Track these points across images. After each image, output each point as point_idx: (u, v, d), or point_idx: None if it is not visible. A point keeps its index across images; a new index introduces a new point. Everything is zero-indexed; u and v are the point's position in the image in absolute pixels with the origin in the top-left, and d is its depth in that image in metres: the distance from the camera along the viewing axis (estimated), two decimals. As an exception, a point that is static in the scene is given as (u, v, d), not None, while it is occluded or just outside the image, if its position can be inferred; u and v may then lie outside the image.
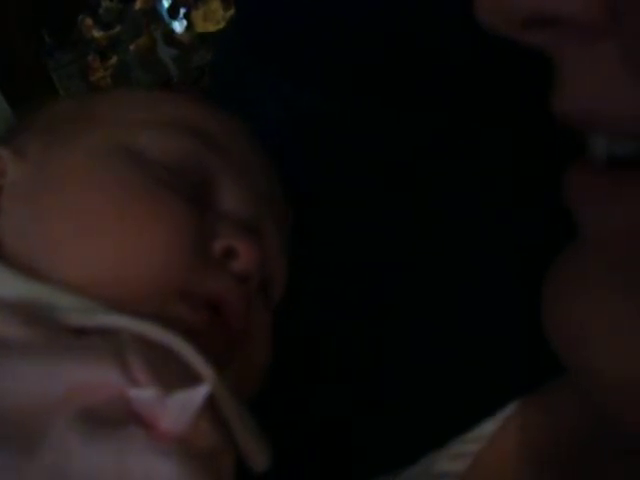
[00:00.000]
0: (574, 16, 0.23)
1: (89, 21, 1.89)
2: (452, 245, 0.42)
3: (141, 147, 0.37)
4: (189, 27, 1.80)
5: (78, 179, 0.36)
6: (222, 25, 1.70)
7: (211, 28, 1.75)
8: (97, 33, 1.89)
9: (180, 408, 0.27)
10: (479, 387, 0.40)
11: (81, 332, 0.31)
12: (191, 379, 0.31)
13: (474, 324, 0.41)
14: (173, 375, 0.30)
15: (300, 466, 0.38)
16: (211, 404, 0.30)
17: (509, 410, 0.39)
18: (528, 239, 0.41)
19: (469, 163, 0.42)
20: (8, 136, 0.40)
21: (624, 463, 0.32)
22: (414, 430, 0.40)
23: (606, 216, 0.26)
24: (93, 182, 0.36)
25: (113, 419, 0.27)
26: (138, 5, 1.89)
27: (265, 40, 0.47)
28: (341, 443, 0.42)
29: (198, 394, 0.27)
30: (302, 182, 0.43)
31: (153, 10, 1.88)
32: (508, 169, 0.41)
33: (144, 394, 0.27)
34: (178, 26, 1.84)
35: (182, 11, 1.82)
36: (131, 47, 1.87)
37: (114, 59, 1.88)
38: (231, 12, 1.70)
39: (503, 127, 0.41)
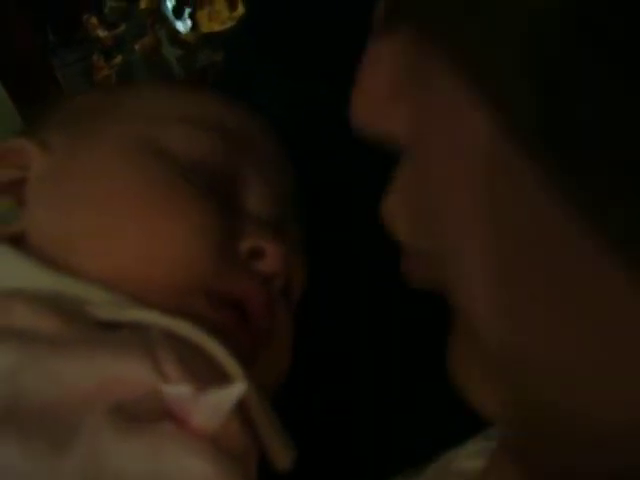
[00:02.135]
0: None
1: (94, 20, 1.89)
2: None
3: (168, 144, 0.37)
4: (194, 27, 1.80)
5: (104, 173, 0.37)
6: (228, 25, 1.70)
7: (216, 28, 1.74)
8: (102, 32, 1.88)
9: (214, 406, 0.27)
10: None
11: (108, 326, 0.32)
12: (219, 377, 0.31)
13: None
14: (202, 372, 0.30)
15: (314, 465, 0.38)
16: (239, 403, 0.30)
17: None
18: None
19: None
20: (31, 129, 0.40)
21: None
22: (432, 428, 0.41)
23: None
24: (120, 176, 0.36)
25: (146, 414, 0.27)
26: (143, 5, 1.89)
27: (272, 39, 0.47)
28: (357, 441, 0.43)
29: (232, 393, 0.27)
30: (308, 182, 0.43)
31: (158, 10, 1.88)
32: None
33: (178, 391, 0.27)
34: (183, 26, 1.84)
35: (187, 11, 1.81)
36: (136, 47, 1.87)
37: (119, 58, 1.88)
38: (236, 12, 1.70)
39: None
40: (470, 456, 0.39)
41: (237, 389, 0.27)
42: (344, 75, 0.46)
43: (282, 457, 0.34)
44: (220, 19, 1.73)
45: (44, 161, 0.38)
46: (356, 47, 0.46)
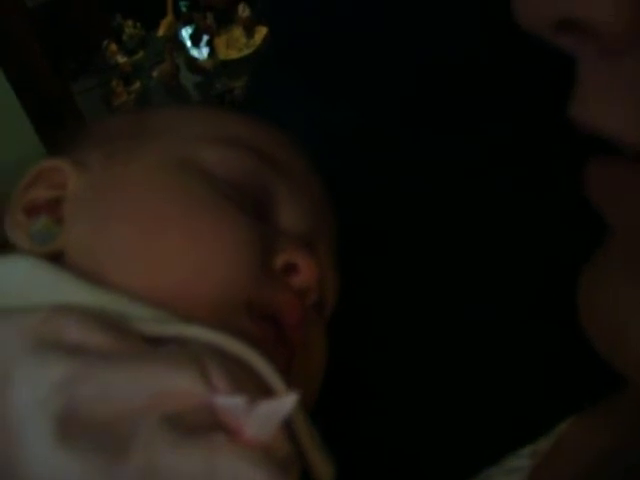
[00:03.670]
0: (602, 25, 0.23)
1: (113, 47, 1.91)
2: (497, 262, 0.43)
3: (204, 162, 0.38)
4: (212, 54, 1.82)
5: (144, 189, 0.37)
6: (245, 52, 1.72)
7: (234, 55, 1.77)
8: (121, 59, 1.91)
9: (266, 417, 0.28)
10: (534, 403, 0.41)
11: (153, 341, 0.32)
12: (264, 390, 0.32)
13: (530, 340, 0.42)
14: (248, 385, 0.31)
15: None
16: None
17: (563, 427, 0.40)
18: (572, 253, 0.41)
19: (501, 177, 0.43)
20: (65, 148, 0.41)
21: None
22: (469, 445, 0.41)
23: (629, 207, 0.26)
24: (160, 192, 0.37)
25: (198, 425, 0.28)
26: (161, 32, 1.91)
27: (297, 60, 0.48)
28: (393, 459, 0.43)
29: (284, 404, 0.28)
30: (338, 203, 0.43)
31: (175, 37, 1.91)
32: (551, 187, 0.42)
33: (231, 402, 0.28)
34: (200, 53, 1.86)
35: (205, 38, 1.84)
36: (154, 73, 1.89)
37: (137, 84, 1.90)
38: (254, 40, 1.72)
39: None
40: (507, 473, 0.39)
41: (289, 400, 0.28)
42: (368, 96, 0.47)
43: (324, 471, 0.34)
44: (237, 46, 1.75)
45: (81, 179, 0.38)
46: (381, 66, 0.47)
